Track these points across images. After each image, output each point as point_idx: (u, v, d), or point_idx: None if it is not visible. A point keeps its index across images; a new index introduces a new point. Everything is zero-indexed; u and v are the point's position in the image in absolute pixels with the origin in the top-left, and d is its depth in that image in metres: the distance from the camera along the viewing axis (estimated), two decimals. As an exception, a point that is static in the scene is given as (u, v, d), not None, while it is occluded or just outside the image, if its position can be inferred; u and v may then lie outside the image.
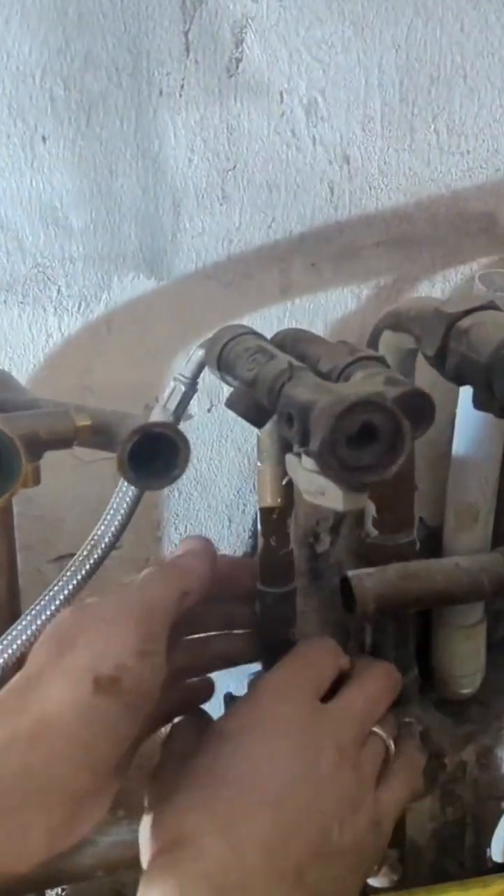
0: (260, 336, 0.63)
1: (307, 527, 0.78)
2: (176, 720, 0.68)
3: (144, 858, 0.58)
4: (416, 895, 0.79)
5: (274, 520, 0.67)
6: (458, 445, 0.76)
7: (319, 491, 0.52)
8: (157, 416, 0.66)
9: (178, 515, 0.75)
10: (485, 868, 0.91)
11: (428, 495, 0.81)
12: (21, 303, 0.68)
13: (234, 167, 0.69)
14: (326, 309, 0.74)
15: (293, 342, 0.62)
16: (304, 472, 0.52)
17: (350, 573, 0.73)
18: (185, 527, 0.75)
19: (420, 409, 0.53)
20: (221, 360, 0.61)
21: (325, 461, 0.49)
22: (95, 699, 0.54)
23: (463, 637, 0.82)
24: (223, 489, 0.76)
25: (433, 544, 0.81)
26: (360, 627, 0.80)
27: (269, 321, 0.73)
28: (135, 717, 0.56)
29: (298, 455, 0.54)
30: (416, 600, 0.74)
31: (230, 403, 0.57)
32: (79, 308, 0.69)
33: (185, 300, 0.71)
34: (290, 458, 0.58)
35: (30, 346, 0.69)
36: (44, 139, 0.66)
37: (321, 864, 0.58)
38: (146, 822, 0.60)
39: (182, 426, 0.73)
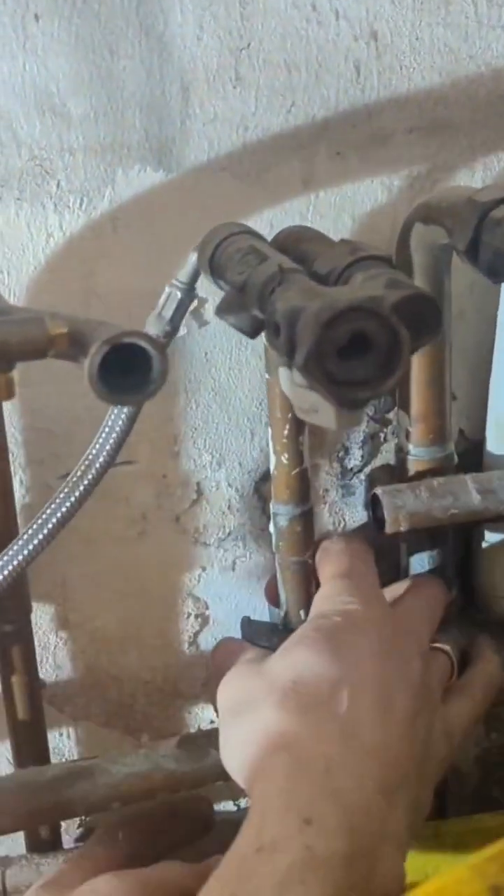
0: (256, 235, 0.57)
1: (336, 440, 0.73)
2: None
3: (242, 763, 0.55)
4: (450, 825, 0.75)
5: (285, 436, 0.62)
6: (500, 351, 0.70)
7: (312, 408, 0.47)
8: (151, 324, 0.62)
9: (195, 429, 0.70)
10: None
11: (468, 405, 0.75)
12: (18, 199, 0.63)
13: (248, 45, 0.63)
14: (354, 202, 0.68)
15: (295, 242, 0.57)
16: (296, 388, 0.47)
17: (379, 490, 0.68)
18: (204, 441, 0.70)
19: (424, 316, 0.47)
20: (213, 262, 0.56)
21: (311, 375, 0.43)
22: None
23: (506, 556, 0.77)
24: (244, 400, 0.71)
25: (475, 458, 0.75)
26: (395, 546, 0.75)
27: (290, 216, 0.67)
28: None
29: (290, 368, 0.49)
30: (451, 518, 0.69)
31: (220, 311, 0.52)
32: (81, 204, 0.64)
33: (198, 194, 0.65)
34: (282, 371, 0.53)
35: (28, 246, 0.64)
36: (36, 17, 0.60)
37: (419, 768, 0.56)
38: (238, 724, 0.57)
39: (197, 333, 0.68)
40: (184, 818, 0.67)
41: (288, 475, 0.63)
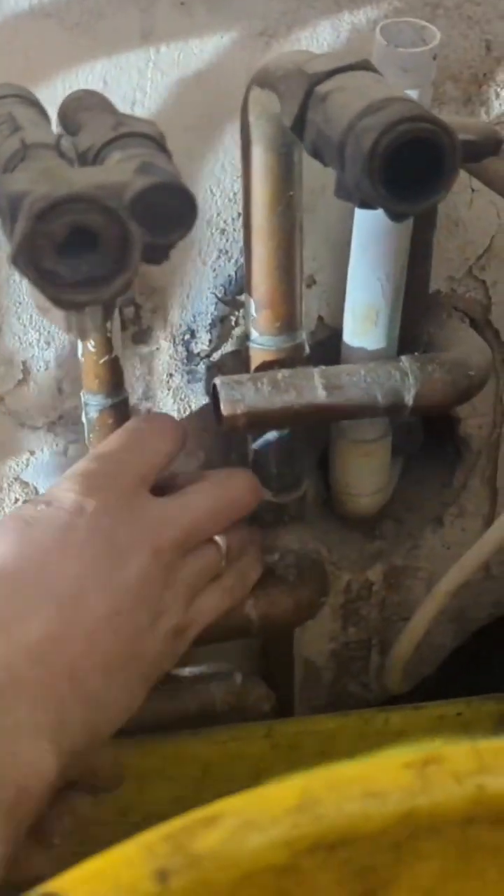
0: (29, 101, 0.51)
1: (182, 321, 0.68)
2: None
3: None
4: (282, 725, 0.73)
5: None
6: (357, 235, 0.64)
7: (45, 306, 0.41)
8: None
9: (20, 304, 0.64)
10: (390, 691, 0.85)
11: (330, 290, 0.70)
12: None
13: None
14: (200, 59, 0.61)
15: (75, 110, 0.50)
16: (29, 283, 0.41)
17: (218, 380, 0.64)
18: (30, 317, 0.65)
19: (175, 209, 0.41)
20: None
21: (22, 272, 0.38)
22: None
23: (361, 454, 0.72)
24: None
25: (334, 347, 0.70)
26: (242, 438, 0.70)
27: (127, 72, 0.60)
28: None
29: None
30: (294, 415, 0.64)
31: None
32: None
33: (19, 43, 0.58)
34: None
35: None
36: None
37: (106, 669, 0.54)
38: None
39: None
40: None
41: (96, 364, 0.58)
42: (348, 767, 0.34)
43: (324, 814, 0.32)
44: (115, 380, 0.60)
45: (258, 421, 0.64)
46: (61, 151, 0.47)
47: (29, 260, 0.38)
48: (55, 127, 0.53)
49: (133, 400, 0.68)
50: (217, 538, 0.62)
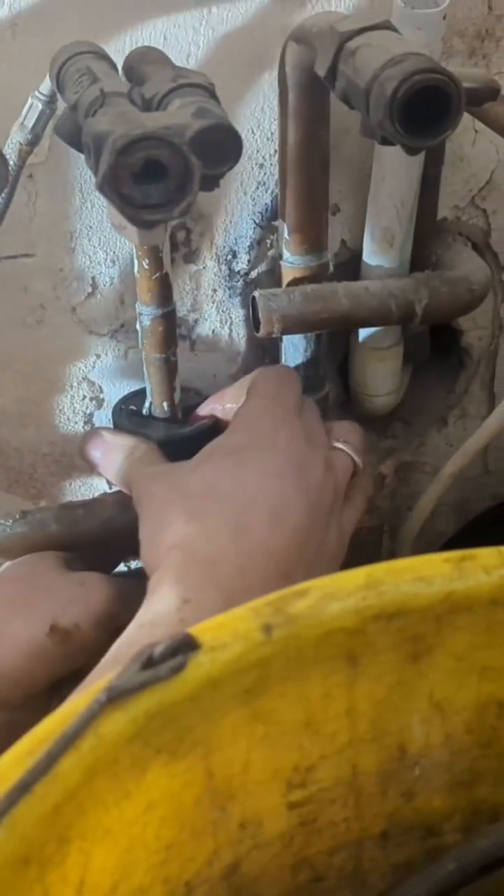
0: (101, 56, 0.61)
1: (225, 243, 0.79)
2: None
3: (147, 560, 0.63)
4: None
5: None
6: (377, 167, 0.76)
7: (122, 225, 0.52)
8: (15, 133, 0.65)
9: (90, 228, 0.75)
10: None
11: (351, 218, 0.81)
12: None
13: None
14: (245, 18, 0.71)
15: (138, 64, 0.61)
16: (110, 205, 0.52)
17: (257, 292, 0.75)
18: (99, 239, 0.76)
19: (225, 145, 0.52)
20: (59, 80, 0.60)
21: (107, 197, 0.49)
22: (45, 640, 0.64)
23: (377, 359, 0.84)
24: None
25: (355, 267, 0.81)
26: (275, 344, 0.82)
27: (184, 30, 0.71)
28: (71, 664, 0.65)
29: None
30: (321, 322, 0.76)
31: (57, 129, 0.57)
32: (-22, 9, 0.68)
33: (94, 5, 0.69)
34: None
35: None
36: None
37: (307, 568, 0.63)
38: (149, 527, 0.65)
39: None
40: None
41: (149, 279, 0.68)
42: (401, 562, 0.42)
43: (385, 591, 0.40)
44: (164, 293, 0.70)
45: (290, 327, 0.75)
46: (131, 99, 0.58)
47: (112, 186, 0.49)
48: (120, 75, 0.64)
49: (183, 312, 0.80)
50: (341, 445, 0.70)
